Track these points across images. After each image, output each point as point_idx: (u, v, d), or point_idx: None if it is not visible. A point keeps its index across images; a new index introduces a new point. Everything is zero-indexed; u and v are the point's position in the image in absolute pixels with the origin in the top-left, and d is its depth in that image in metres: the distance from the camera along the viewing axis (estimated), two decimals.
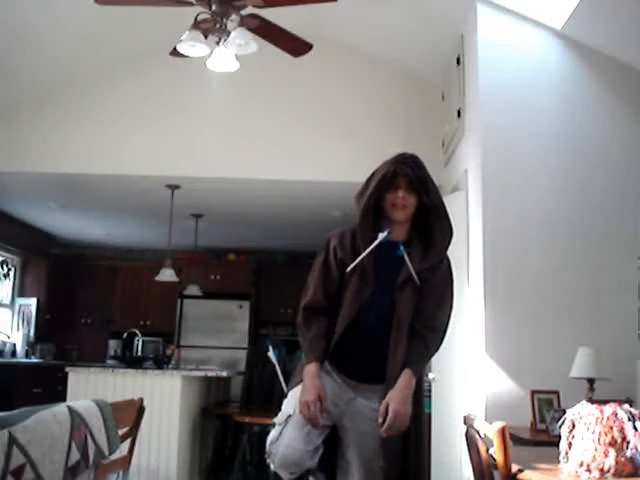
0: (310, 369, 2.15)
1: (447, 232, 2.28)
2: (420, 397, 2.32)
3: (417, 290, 2.23)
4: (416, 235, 2.30)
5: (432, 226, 2.27)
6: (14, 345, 7.56)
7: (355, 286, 2.21)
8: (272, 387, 5.53)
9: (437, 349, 2.34)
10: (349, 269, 2.22)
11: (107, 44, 5.10)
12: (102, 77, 5.39)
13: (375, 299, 2.21)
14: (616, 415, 1.84)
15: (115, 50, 5.17)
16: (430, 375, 4.35)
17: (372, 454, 2.14)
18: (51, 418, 1.94)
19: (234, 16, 3.51)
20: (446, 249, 2.29)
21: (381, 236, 2.21)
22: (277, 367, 2.43)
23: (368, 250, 2.20)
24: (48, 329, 8.15)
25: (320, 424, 2.13)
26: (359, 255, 2.21)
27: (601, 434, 1.82)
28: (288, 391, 2.29)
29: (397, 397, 2.10)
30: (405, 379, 2.14)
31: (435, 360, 4.32)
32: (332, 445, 2.22)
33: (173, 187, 5.78)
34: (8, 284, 7.83)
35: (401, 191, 2.24)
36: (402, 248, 2.22)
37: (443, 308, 2.31)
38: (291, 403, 2.20)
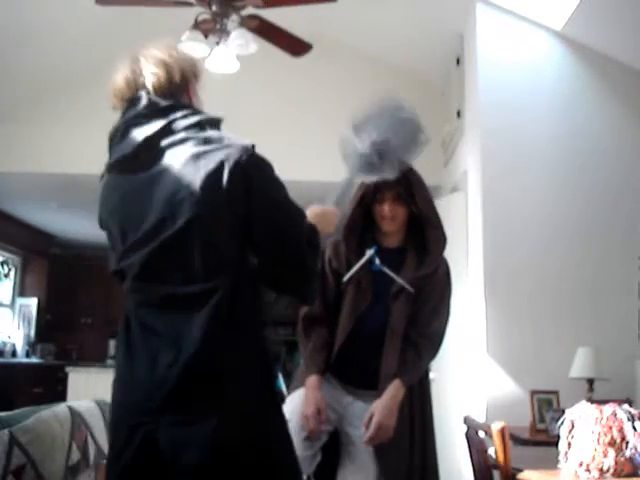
0: (310, 381, 2.14)
1: (441, 241, 2.24)
2: (426, 399, 2.32)
3: (412, 299, 2.21)
4: (411, 242, 2.27)
5: (426, 234, 2.24)
6: (14, 345, 7.56)
7: (351, 297, 2.21)
8: None
9: (433, 357, 2.34)
10: (344, 279, 2.22)
11: (107, 44, 5.10)
12: (102, 77, 5.38)
13: (371, 309, 2.20)
14: (615, 415, 1.85)
15: (115, 50, 5.17)
16: (430, 375, 4.35)
17: (369, 457, 2.13)
18: (52, 418, 1.94)
19: (234, 16, 3.51)
20: (440, 257, 2.27)
21: (368, 253, 2.19)
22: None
23: (358, 266, 2.19)
24: (48, 329, 8.15)
25: (318, 436, 2.13)
26: (352, 266, 2.21)
27: (600, 434, 1.83)
28: (287, 395, 2.28)
29: (381, 408, 2.08)
30: (392, 390, 2.13)
31: (435, 360, 4.32)
32: (329, 452, 2.21)
33: None
34: (8, 284, 7.84)
35: (386, 205, 2.20)
36: (377, 262, 2.19)
37: (439, 316, 2.28)
38: (288, 408, 2.19)
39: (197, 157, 1.42)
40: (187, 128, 1.47)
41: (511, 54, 3.99)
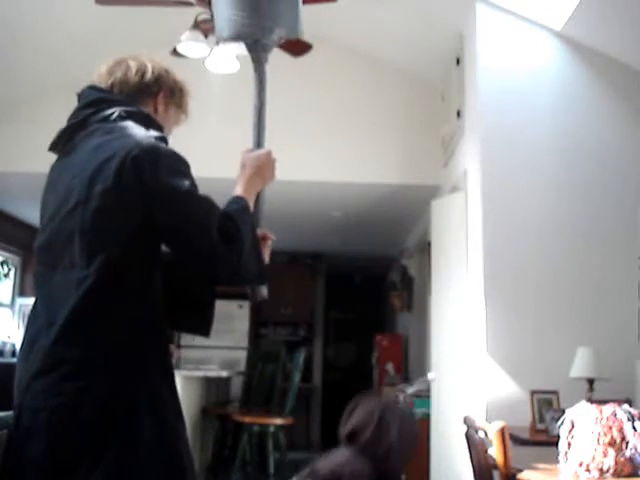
0: None
1: None
2: None
3: None
4: None
5: None
6: (14, 345, 7.56)
7: None
8: (272, 387, 5.54)
9: None
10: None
11: (108, 44, 5.10)
12: None
13: None
14: (615, 415, 1.85)
15: (116, 50, 5.16)
16: (430, 375, 4.35)
17: None
18: None
19: None
20: None
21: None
22: None
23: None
24: None
25: None
26: None
27: (600, 434, 1.83)
28: None
29: None
30: None
31: (435, 360, 4.33)
32: None
33: None
34: (8, 284, 7.83)
35: None
36: None
37: None
38: None
39: (97, 147, 1.46)
40: (101, 120, 1.52)
41: (511, 54, 3.99)
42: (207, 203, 1.46)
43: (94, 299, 1.38)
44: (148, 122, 1.55)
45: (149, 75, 1.64)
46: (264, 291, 1.67)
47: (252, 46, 1.81)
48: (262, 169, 1.70)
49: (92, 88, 1.61)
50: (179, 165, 1.47)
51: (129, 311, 1.42)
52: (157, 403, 1.42)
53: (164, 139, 1.51)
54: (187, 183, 1.44)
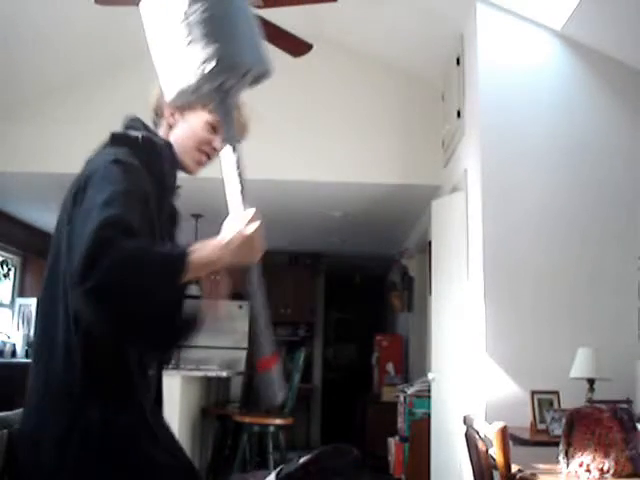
0: None
1: None
2: None
3: None
4: None
5: None
6: (14, 345, 7.56)
7: None
8: None
9: None
10: None
11: (110, 44, 5.10)
12: (104, 77, 5.38)
13: None
14: (615, 415, 1.85)
15: (117, 50, 5.17)
16: (430, 375, 4.35)
17: None
18: None
19: None
20: None
21: None
22: None
23: None
24: None
25: None
26: None
27: (600, 434, 1.83)
28: None
29: None
30: None
31: (435, 360, 4.32)
32: None
33: None
34: (8, 284, 7.83)
35: None
36: None
37: None
38: None
39: (77, 178, 1.51)
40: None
41: (511, 54, 3.99)
42: (117, 207, 1.27)
43: (44, 330, 1.49)
44: (127, 143, 1.52)
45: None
46: (277, 392, 1.23)
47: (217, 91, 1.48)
48: (233, 243, 1.37)
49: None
50: (110, 175, 1.37)
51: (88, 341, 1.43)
52: (115, 427, 1.45)
53: (119, 161, 1.42)
54: (106, 191, 1.31)
